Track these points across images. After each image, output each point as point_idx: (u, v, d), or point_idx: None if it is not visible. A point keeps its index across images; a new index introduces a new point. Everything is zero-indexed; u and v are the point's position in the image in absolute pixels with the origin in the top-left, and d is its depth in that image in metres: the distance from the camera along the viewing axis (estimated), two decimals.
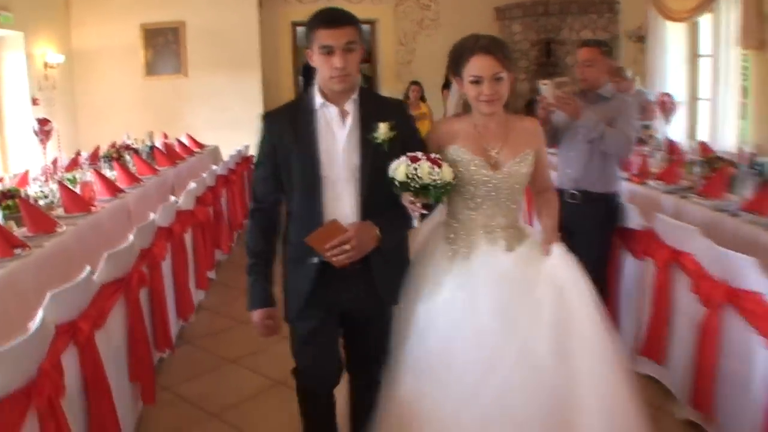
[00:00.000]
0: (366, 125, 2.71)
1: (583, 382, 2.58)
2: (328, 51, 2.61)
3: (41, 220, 4.46)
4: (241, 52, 11.72)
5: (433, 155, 2.67)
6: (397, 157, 2.63)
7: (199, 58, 11.62)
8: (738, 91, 7.97)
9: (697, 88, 9.33)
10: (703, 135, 8.59)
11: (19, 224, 4.42)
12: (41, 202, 5.03)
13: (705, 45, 9.01)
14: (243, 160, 9.01)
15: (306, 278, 2.74)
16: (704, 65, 9.04)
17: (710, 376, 3.50)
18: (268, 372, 4.54)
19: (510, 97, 2.86)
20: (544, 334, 2.61)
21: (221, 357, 4.90)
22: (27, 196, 4.94)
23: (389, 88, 12.62)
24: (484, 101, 2.78)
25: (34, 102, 9.67)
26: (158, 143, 8.62)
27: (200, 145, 9.73)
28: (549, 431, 2.56)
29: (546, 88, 4.27)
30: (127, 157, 7.35)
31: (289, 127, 2.74)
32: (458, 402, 2.60)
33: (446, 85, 9.74)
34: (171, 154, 8.28)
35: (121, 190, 5.96)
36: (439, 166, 2.62)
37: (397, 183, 2.60)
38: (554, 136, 4.43)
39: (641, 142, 7.05)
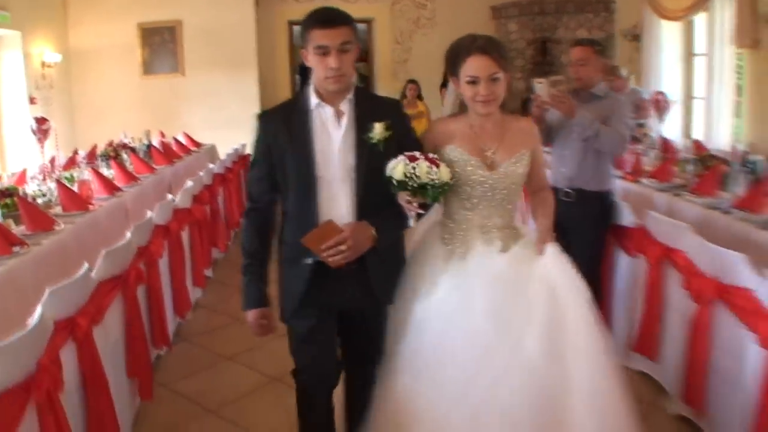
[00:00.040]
0: (361, 125, 2.70)
1: (574, 382, 2.58)
2: (323, 51, 2.61)
3: (39, 219, 4.48)
4: (238, 51, 11.75)
5: (430, 155, 2.67)
6: (393, 157, 2.63)
7: (196, 57, 11.65)
8: (732, 90, 8.01)
9: (692, 86, 9.36)
10: (698, 133, 8.62)
11: (18, 222, 4.44)
12: (39, 201, 5.06)
13: (700, 44, 9.04)
14: (240, 158, 9.03)
15: (301, 278, 2.74)
16: (699, 64, 9.07)
17: (701, 372, 3.53)
18: (265, 369, 4.56)
19: (506, 97, 2.86)
20: (536, 334, 2.61)
21: (218, 354, 4.92)
22: (25, 194, 4.97)
23: (386, 86, 12.65)
24: (481, 101, 2.78)
25: (32, 101, 9.70)
26: (155, 142, 8.64)
27: (197, 144, 9.75)
28: (540, 431, 2.56)
29: (541, 86, 4.27)
30: (125, 156, 7.37)
31: (284, 127, 2.74)
32: (450, 401, 2.61)
33: (444, 84, 9.78)
34: (168, 153, 8.30)
35: (118, 189, 5.99)
36: (437, 166, 2.62)
37: (395, 182, 2.60)
38: (548, 135, 4.45)
39: (635, 140, 7.08)
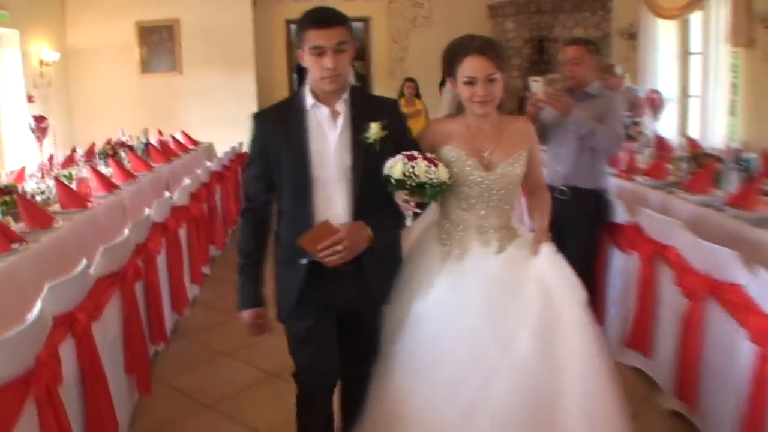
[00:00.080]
0: (357, 125, 2.69)
1: (567, 383, 2.58)
2: (319, 51, 2.60)
3: (38, 216, 4.51)
4: (235, 49, 11.78)
5: (428, 154, 2.67)
6: (389, 157, 2.63)
7: (194, 55, 11.68)
8: (727, 88, 8.04)
9: (687, 85, 9.40)
10: (693, 132, 8.66)
11: (17, 220, 4.46)
12: (38, 198, 5.08)
13: (695, 42, 9.08)
14: (237, 156, 9.06)
15: (297, 278, 2.73)
16: (695, 63, 9.11)
17: (694, 367, 3.56)
18: (262, 365, 4.59)
19: (504, 98, 2.85)
20: (530, 334, 2.61)
21: (215, 350, 4.95)
22: (24, 192, 4.99)
23: (383, 85, 12.68)
24: (478, 102, 2.77)
25: (30, 99, 9.73)
26: (153, 140, 8.67)
27: (195, 142, 9.77)
28: (532, 430, 2.57)
29: (537, 85, 4.28)
30: (122, 154, 7.39)
31: (279, 126, 2.73)
32: (443, 400, 2.61)
33: (443, 83, 9.77)
34: (166, 151, 8.33)
35: (116, 186, 6.01)
36: (436, 166, 2.62)
37: (393, 181, 2.59)
38: (543, 134, 4.46)
39: (630, 138, 7.12)
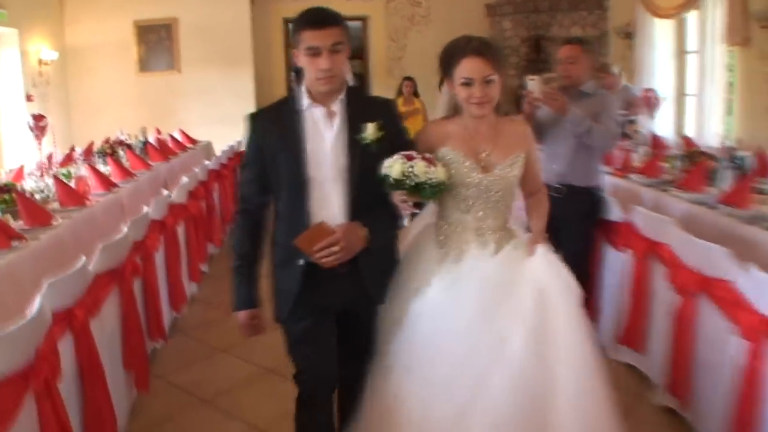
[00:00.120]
0: (353, 126, 2.68)
1: (560, 382, 2.59)
2: (315, 52, 2.59)
3: (37, 214, 4.53)
4: (233, 48, 11.80)
5: (427, 155, 2.67)
6: (385, 157, 2.62)
7: (192, 54, 11.71)
8: (723, 87, 8.07)
9: (684, 83, 9.42)
10: (690, 130, 8.69)
11: (16, 217, 4.49)
12: (37, 197, 5.11)
13: (692, 41, 9.10)
14: (235, 155, 9.05)
15: (294, 279, 2.72)
16: (691, 61, 9.13)
17: (686, 363, 3.59)
18: (260, 361, 4.61)
19: (501, 99, 2.86)
20: (524, 335, 2.61)
21: (213, 346, 4.98)
22: (23, 190, 5.02)
23: (381, 84, 12.71)
24: (475, 103, 2.77)
25: (29, 98, 9.75)
26: (151, 139, 8.69)
27: (193, 141, 9.79)
28: (525, 429, 2.57)
29: (533, 83, 4.31)
30: (121, 153, 7.41)
31: (275, 127, 2.73)
32: (437, 398, 2.63)
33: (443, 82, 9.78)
34: (164, 150, 8.36)
35: (114, 185, 6.04)
36: (434, 165, 2.63)
37: (391, 180, 2.58)
38: (539, 132, 4.47)
39: (626, 136, 7.15)
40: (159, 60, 11.85)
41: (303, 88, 2.74)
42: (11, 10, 9.11)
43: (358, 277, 2.73)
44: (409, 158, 2.60)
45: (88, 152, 7.51)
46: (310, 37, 2.59)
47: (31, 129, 6.92)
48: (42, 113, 7.50)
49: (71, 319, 3.06)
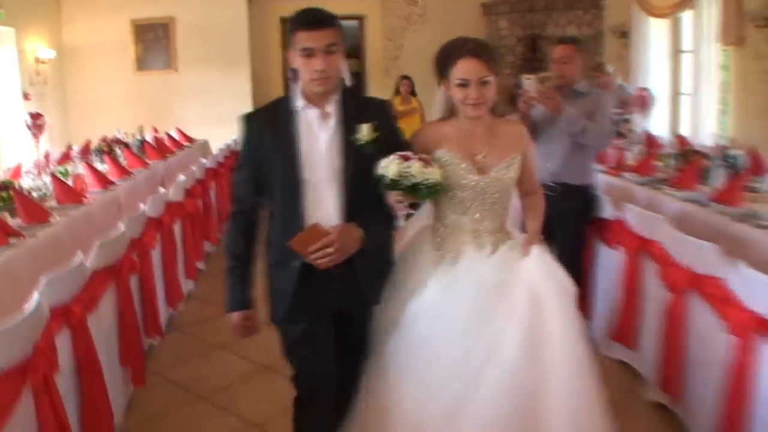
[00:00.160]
0: (348, 127, 2.68)
1: (552, 383, 2.59)
2: (309, 53, 2.57)
3: (35, 211, 4.57)
4: (230, 47, 11.82)
5: (423, 155, 2.66)
6: (380, 158, 2.61)
7: (189, 53, 11.72)
8: (718, 87, 8.11)
9: (679, 83, 9.46)
10: (685, 129, 8.73)
11: (14, 215, 4.53)
12: (34, 194, 5.13)
13: (687, 41, 9.14)
14: (232, 153, 9.07)
15: (289, 280, 2.71)
16: (686, 61, 9.17)
17: (677, 359, 3.62)
18: (256, 357, 4.63)
19: (496, 100, 2.85)
20: (517, 336, 2.62)
21: (210, 343, 5.01)
22: (21, 188, 5.05)
23: (377, 83, 12.74)
24: (471, 105, 2.77)
25: (26, 97, 9.74)
26: (149, 138, 8.72)
27: (190, 139, 9.82)
28: (518, 430, 2.58)
29: (529, 82, 4.32)
30: (118, 151, 7.44)
31: (269, 128, 2.72)
32: (431, 399, 2.64)
33: None
34: (161, 148, 8.40)
35: (111, 183, 6.07)
36: (431, 166, 2.62)
37: (387, 181, 2.58)
38: (533, 131, 4.48)
39: (620, 135, 7.20)
40: (156, 59, 11.87)
41: (297, 89, 2.73)
42: (8, 8, 9.10)
43: (354, 278, 2.72)
44: (406, 158, 2.59)
45: (85, 151, 7.55)
46: (304, 38, 2.58)
47: (29, 127, 6.95)
48: (39, 112, 7.53)
49: (68, 315, 3.09)
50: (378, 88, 12.48)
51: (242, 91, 11.79)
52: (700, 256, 3.45)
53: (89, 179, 5.80)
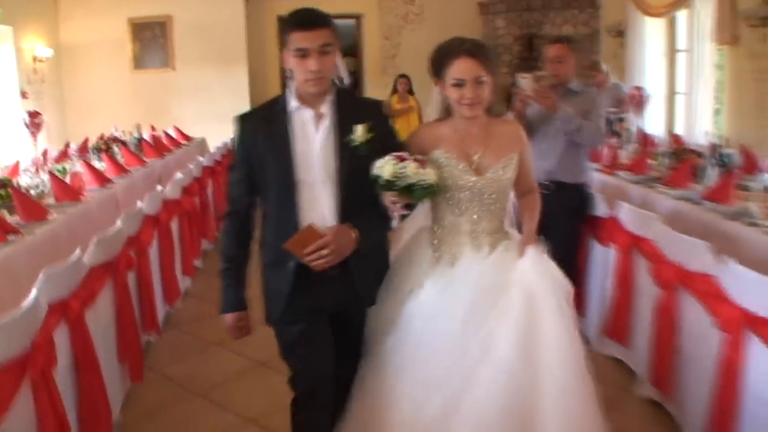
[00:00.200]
0: (342, 127, 2.65)
1: (546, 384, 2.59)
2: (303, 54, 2.56)
3: (33, 209, 4.61)
4: (228, 46, 11.85)
5: (418, 156, 2.64)
6: (375, 159, 2.59)
7: (187, 52, 11.75)
8: (713, 86, 8.15)
9: (675, 82, 9.50)
10: (681, 128, 8.76)
11: (12, 212, 4.56)
12: (32, 192, 5.16)
13: (682, 40, 9.17)
14: (229, 152, 9.07)
15: (285, 281, 2.70)
16: (682, 60, 9.21)
17: (667, 355, 3.65)
18: (253, 354, 4.65)
19: (492, 100, 2.84)
20: (512, 337, 2.61)
21: (206, 340, 5.02)
22: (19, 186, 5.08)
23: (375, 82, 12.77)
24: (466, 105, 2.75)
25: (24, 95, 9.76)
26: (146, 136, 8.75)
27: (187, 138, 9.85)
28: (511, 430, 2.58)
29: (525, 81, 4.35)
30: (116, 149, 7.47)
31: (264, 129, 2.70)
32: (425, 399, 2.64)
33: None
34: (158, 146, 8.44)
35: (109, 181, 6.11)
36: (426, 167, 2.61)
37: (382, 181, 2.56)
38: (528, 130, 4.51)
39: (615, 134, 7.24)
40: (153, 57, 11.90)
41: (291, 90, 2.72)
42: (5, 7, 9.12)
43: (349, 278, 2.72)
44: (401, 159, 2.58)
45: (83, 149, 7.58)
46: (298, 39, 2.56)
47: (27, 126, 6.97)
48: (37, 110, 7.56)
49: (66, 310, 3.12)
50: (375, 86, 12.52)
51: (240, 89, 11.82)
52: (690, 253, 3.48)
53: (87, 177, 5.83)
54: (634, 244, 4.09)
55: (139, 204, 4.82)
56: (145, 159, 7.61)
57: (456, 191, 2.83)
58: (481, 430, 2.56)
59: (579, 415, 2.64)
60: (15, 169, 6.20)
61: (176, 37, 11.80)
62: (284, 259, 2.66)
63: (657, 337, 3.75)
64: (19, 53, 9.92)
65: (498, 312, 2.66)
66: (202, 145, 10.16)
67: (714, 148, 5.30)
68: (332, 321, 2.84)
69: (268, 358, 4.43)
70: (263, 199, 2.78)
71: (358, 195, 2.66)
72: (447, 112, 2.92)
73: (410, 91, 10.56)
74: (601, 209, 4.55)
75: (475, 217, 2.85)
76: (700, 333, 3.37)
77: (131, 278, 4.25)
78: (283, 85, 12.69)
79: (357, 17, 13.11)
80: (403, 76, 10.66)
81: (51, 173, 5.52)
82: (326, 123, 2.69)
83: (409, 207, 2.69)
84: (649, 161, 5.68)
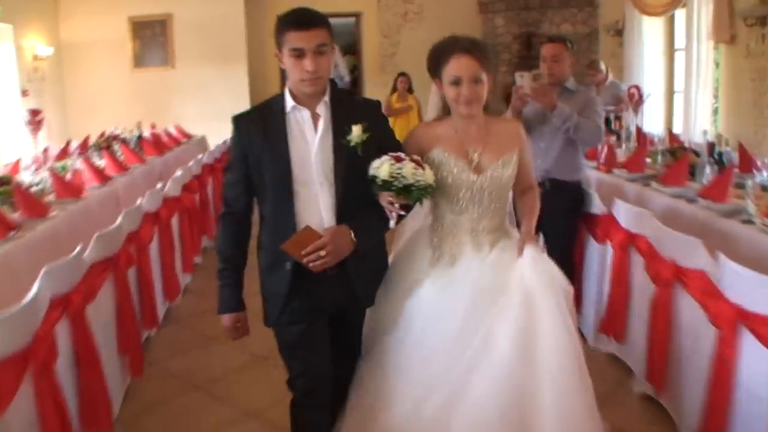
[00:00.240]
0: (339, 128, 2.64)
1: (544, 384, 2.58)
2: (299, 54, 2.54)
3: (34, 205, 4.64)
4: (227, 44, 11.88)
5: (415, 156, 2.63)
6: (371, 159, 2.59)
7: (187, 50, 11.79)
8: (710, 84, 8.18)
9: (673, 81, 9.53)
10: (679, 126, 8.80)
11: (13, 209, 4.59)
12: (33, 190, 5.19)
13: (681, 39, 9.21)
14: (229, 150, 9.09)
15: (282, 282, 2.69)
16: (680, 59, 9.24)
17: (662, 351, 3.67)
18: (252, 348, 4.65)
19: (490, 99, 2.84)
20: (510, 337, 2.60)
21: (206, 335, 5.05)
22: (20, 182, 5.11)
23: (374, 80, 12.80)
24: (464, 102, 2.75)
25: (24, 93, 9.79)
26: (147, 134, 8.78)
27: (187, 136, 9.88)
28: (508, 429, 2.58)
29: (523, 79, 4.36)
30: (116, 147, 7.50)
31: (259, 129, 2.68)
32: (423, 398, 2.65)
33: None
34: (158, 144, 8.47)
35: (110, 178, 6.14)
36: (423, 168, 2.59)
37: (379, 182, 2.55)
38: (526, 129, 4.54)
39: (613, 132, 7.27)
40: (154, 56, 11.94)
41: (287, 90, 2.71)
42: (6, 5, 9.14)
43: (347, 279, 2.71)
44: (398, 159, 2.57)
45: (83, 146, 7.60)
46: (294, 38, 2.54)
47: (28, 124, 7.00)
48: (38, 108, 7.58)
49: (67, 305, 3.15)
50: (375, 85, 12.56)
51: (239, 87, 11.86)
52: (684, 250, 3.49)
53: (87, 175, 5.87)
54: (630, 242, 4.11)
55: (139, 201, 4.86)
56: (145, 157, 7.65)
57: (456, 190, 2.82)
58: (480, 429, 2.56)
59: (577, 414, 2.63)
60: (16, 167, 6.22)
61: (176, 35, 11.84)
62: (281, 260, 2.65)
63: (652, 333, 3.76)
64: (20, 51, 9.96)
65: (497, 311, 2.66)
66: (202, 143, 10.19)
67: (710, 146, 5.32)
68: (331, 321, 2.83)
69: (268, 352, 4.39)
70: (260, 200, 2.76)
71: (356, 195, 2.65)
72: (445, 112, 2.92)
73: (410, 90, 10.55)
74: (596, 207, 4.57)
75: (475, 215, 2.85)
76: (695, 329, 3.38)
77: (132, 274, 4.29)
78: (283, 84, 12.69)
79: (356, 15, 13.14)
80: (402, 74, 10.65)
81: (52, 171, 5.55)
82: (322, 123, 2.67)
83: (407, 208, 2.66)
84: (645, 159, 5.70)
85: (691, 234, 3.57)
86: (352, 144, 2.62)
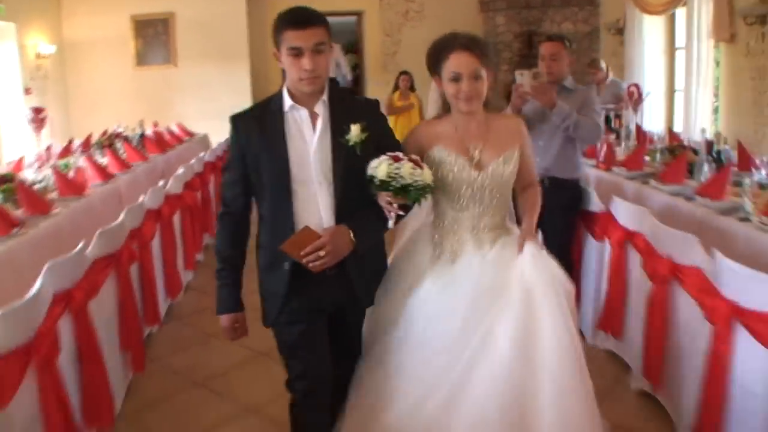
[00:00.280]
0: (337, 127, 2.63)
1: (544, 384, 2.57)
2: (297, 53, 2.53)
3: (37, 203, 4.67)
4: (229, 43, 11.88)
5: (413, 156, 2.61)
6: (370, 158, 2.58)
7: (189, 48, 11.80)
8: (711, 83, 8.20)
9: (674, 79, 9.54)
10: (680, 125, 8.81)
11: (16, 206, 4.63)
12: (36, 187, 5.22)
13: (681, 38, 9.22)
14: (230, 148, 9.13)
15: (281, 282, 2.68)
16: (681, 57, 9.23)
17: (658, 347, 3.70)
18: (252, 345, 4.59)
19: (490, 95, 2.83)
20: (511, 336, 2.60)
21: (207, 332, 5.07)
22: (23, 180, 5.14)
23: (376, 78, 12.80)
24: (463, 99, 2.75)
25: (27, 91, 9.81)
26: (149, 132, 8.81)
27: (189, 134, 9.91)
28: (508, 429, 2.58)
29: (523, 77, 4.38)
30: (118, 145, 7.53)
31: (257, 129, 2.67)
32: (422, 397, 2.65)
33: None
34: (160, 142, 8.49)
35: (112, 176, 6.17)
36: (421, 168, 2.58)
37: (377, 182, 2.54)
38: (525, 126, 4.58)
39: (612, 131, 7.29)
40: (156, 54, 11.95)
41: (285, 89, 2.69)
42: (8, 4, 9.16)
43: (346, 279, 2.71)
44: (396, 159, 2.55)
45: (86, 144, 7.63)
46: (292, 37, 2.54)
47: (31, 122, 7.02)
48: (40, 106, 7.60)
49: (70, 300, 3.19)
50: (376, 83, 12.58)
51: (241, 86, 11.87)
52: (680, 247, 3.52)
53: (90, 172, 5.90)
54: (628, 239, 4.14)
55: (141, 198, 4.89)
56: (147, 155, 7.68)
57: (457, 187, 2.82)
58: (480, 427, 2.56)
59: (577, 413, 2.63)
60: (19, 165, 6.26)
61: (178, 33, 11.85)
62: (280, 260, 2.65)
63: (649, 330, 3.79)
64: (23, 50, 9.97)
65: (497, 310, 2.66)
66: (204, 141, 10.22)
67: (709, 144, 5.34)
68: (330, 321, 2.84)
69: (269, 348, 4.37)
70: (259, 199, 2.76)
71: (355, 195, 2.64)
72: (445, 109, 2.92)
73: (412, 88, 10.54)
74: (595, 204, 4.60)
75: (476, 213, 2.85)
76: (692, 326, 3.41)
77: (134, 271, 4.32)
78: (284, 83, 12.73)
79: (358, 14, 13.14)
80: (404, 72, 10.63)
81: (55, 168, 5.58)
82: (321, 122, 2.66)
83: (405, 208, 2.64)
84: (644, 157, 5.73)
85: (688, 231, 3.59)
86: (350, 143, 2.61)
